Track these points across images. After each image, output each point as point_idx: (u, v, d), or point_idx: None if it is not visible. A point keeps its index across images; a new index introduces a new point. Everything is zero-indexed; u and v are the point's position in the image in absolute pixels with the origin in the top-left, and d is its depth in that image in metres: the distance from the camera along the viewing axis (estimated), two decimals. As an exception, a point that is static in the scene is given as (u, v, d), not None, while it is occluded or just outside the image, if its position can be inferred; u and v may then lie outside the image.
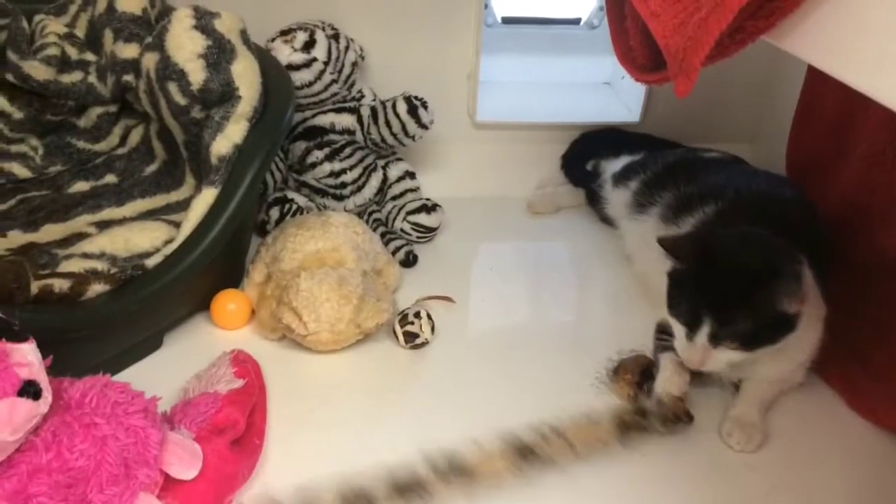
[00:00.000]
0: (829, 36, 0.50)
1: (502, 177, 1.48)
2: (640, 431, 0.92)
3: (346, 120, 1.28)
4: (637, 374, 1.00)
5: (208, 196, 1.00)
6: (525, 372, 1.05)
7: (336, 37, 1.27)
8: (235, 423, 0.83)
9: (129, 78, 1.14)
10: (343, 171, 1.28)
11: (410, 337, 1.06)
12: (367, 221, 1.28)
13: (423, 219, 1.28)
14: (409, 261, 1.25)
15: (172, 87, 1.04)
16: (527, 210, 1.44)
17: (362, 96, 1.32)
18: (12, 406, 0.64)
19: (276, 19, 1.27)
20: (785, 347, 0.91)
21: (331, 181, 1.28)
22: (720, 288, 0.88)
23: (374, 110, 1.28)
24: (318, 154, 1.27)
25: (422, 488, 0.81)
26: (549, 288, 1.27)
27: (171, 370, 0.98)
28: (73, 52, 1.18)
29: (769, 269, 0.88)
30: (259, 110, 1.04)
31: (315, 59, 1.21)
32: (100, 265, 0.93)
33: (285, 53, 1.20)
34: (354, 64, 1.29)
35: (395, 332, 1.07)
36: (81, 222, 1.12)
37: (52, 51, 1.15)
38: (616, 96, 1.59)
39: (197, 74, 1.02)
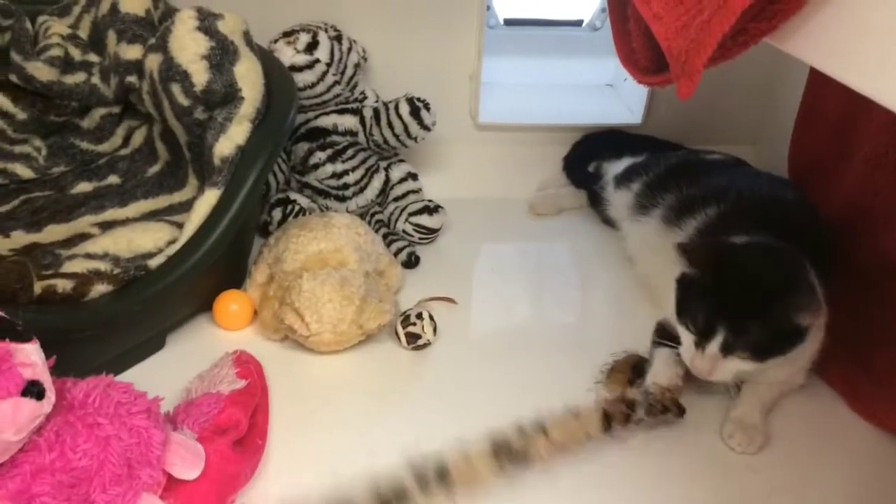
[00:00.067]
0: (832, 38, 0.50)
1: (504, 178, 1.48)
2: (625, 421, 0.91)
3: (349, 121, 1.28)
4: (629, 371, 1.00)
5: (211, 197, 1.00)
6: (527, 373, 1.05)
7: (339, 38, 1.27)
8: (238, 423, 0.83)
9: (132, 79, 1.14)
10: (345, 173, 1.28)
11: (412, 338, 1.06)
12: (369, 222, 1.28)
13: (425, 220, 1.29)
14: (411, 262, 1.25)
15: (175, 89, 1.04)
16: (529, 211, 1.44)
17: (365, 97, 1.32)
18: (16, 406, 0.64)
19: (278, 21, 1.28)
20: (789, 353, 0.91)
21: (333, 182, 1.29)
22: (738, 298, 0.87)
23: (376, 112, 1.28)
24: (321, 155, 1.27)
25: (405, 498, 0.79)
26: (550, 289, 1.27)
27: (173, 370, 0.98)
28: (76, 53, 1.18)
29: (788, 281, 0.88)
30: (262, 111, 1.04)
31: (318, 61, 1.21)
32: (103, 266, 0.94)
33: (288, 55, 1.20)
34: (357, 65, 1.30)
35: (397, 333, 1.07)
36: (84, 223, 1.12)
37: (56, 52, 1.15)
38: (618, 98, 1.59)
39: (200, 76, 1.02)
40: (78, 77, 1.18)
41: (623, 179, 1.29)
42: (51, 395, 0.68)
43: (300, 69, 1.20)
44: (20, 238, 1.07)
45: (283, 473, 0.87)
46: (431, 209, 1.29)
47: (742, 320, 0.87)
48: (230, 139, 1.01)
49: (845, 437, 0.98)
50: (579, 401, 0.98)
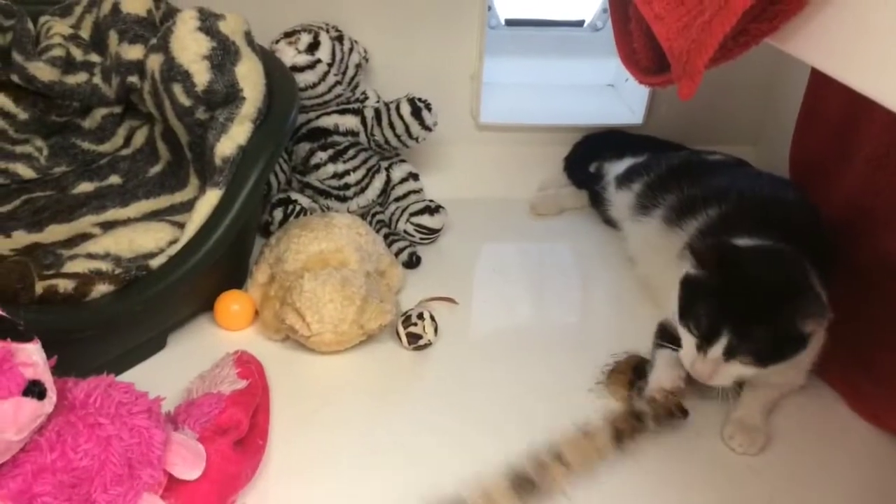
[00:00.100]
0: (833, 39, 0.50)
1: (505, 178, 1.48)
2: (634, 435, 0.91)
3: (350, 121, 1.28)
4: (629, 373, 1.00)
5: (212, 197, 1.00)
6: (528, 373, 1.05)
7: (340, 38, 1.27)
8: (239, 423, 0.83)
9: (133, 79, 1.14)
10: (346, 173, 1.28)
11: (413, 338, 1.06)
12: (370, 223, 1.28)
13: (426, 220, 1.29)
14: (413, 262, 1.25)
15: (177, 89, 1.04)
16: (530, 212, 1.44)
17: (366, 98, 1.32)
18: (17, 406, 0.64)
19: (280, 21, 1.28)
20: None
21: (334, 182, 1.29)
22: (745, 302, 0.86)
23: (377, 112, 1.28)
24: (322, 155, 1.27)
25: None
26: (551, 289, 1.27)
27: (174, 370, 0.98)
28: (77, 54, 1.18)
29: (796, 287, 0.88)
30: (263, 112, 1.04)
31: (319, 61, 1.22)
32: (104, 266, 0.94)
33: (289, 55, 1.20)
34: (358, 66, 1.30)
35: (398, 334, 1.07)
36: (86, 223, 1.12)
37: (57, 52, 1.15)
38: (619, 98, 1.59)
39: (201, 76, 1.02)
40: (79, 77, 1.18)
41: (624, 180, 1.29)
42: (52, 395, 0.68)
43: (301, 69, 1.20)
44: (22, 238, 1.07)
45: (284, 473, 0.87)
46: (432, 209, 1.29)
47: (748, 325, 0.86)
48: (231, 139, 1.01)
49: (846, 437, 0.98)
50: (581, 400, 0.98)
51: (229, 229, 0.99)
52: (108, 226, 1.11)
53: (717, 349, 0.87)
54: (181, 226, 1.02)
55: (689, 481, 0.90)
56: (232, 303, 1.09)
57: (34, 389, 0.65)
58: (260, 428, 0.89)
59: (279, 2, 1.30)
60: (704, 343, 0.88)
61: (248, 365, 0.94)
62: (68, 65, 1.17)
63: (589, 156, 1.46)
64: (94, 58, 1.19)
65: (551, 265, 1.35)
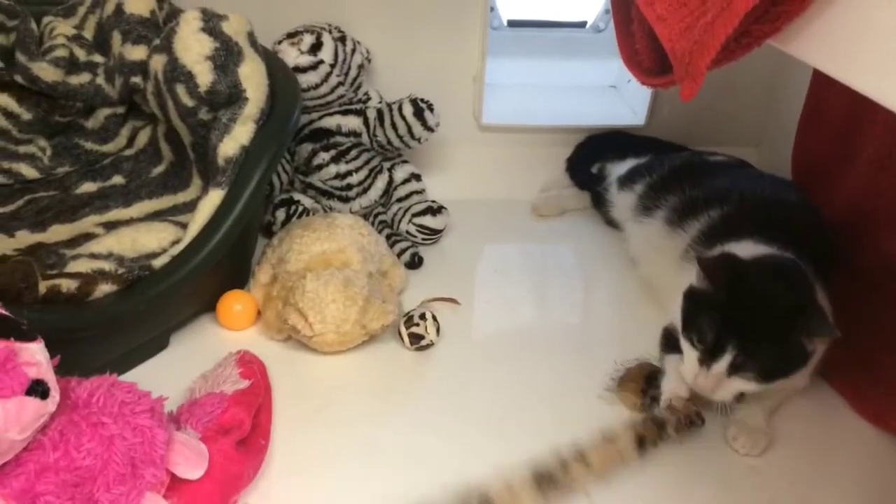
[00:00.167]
0: (835, 40, 0.50)
1: (508, 179, 1.48)
2: (656, 443, 0.91)
3: (353, 122, 1.28)
4: (642, 381, 0.99)
5: (215, 197, 1.00)
6: (530, 373, 1.05)
7: (342, 39, 1.27)
8: (241, 423, 0.84)
9: (136, 80, 1.14)
10: (349, 173, 1.28)
11: (416, 338, 1.06)
12: (372, 223, 1.28)
13: (428, 221, 1.29)
14: (415, 262, 1.25)
15: (180, 89, 1.04)
16: (532, 213, 1.44)
17: (368, 98, 1.32)
18: (20, 405, 0.64)
19: (282, 22, 1.28)
20: None
21: (337, 183, 1.29)
22: (753, 319, 0.85)
23: (380, 112, 1.28)
24: (324, 156, 1.28)
25: None
26: (553, 290, 1.27)
27: (177, 370, 0.98)
28: (81, 54, 1.19)
29: (804, 305, 0.87)
30: (266, 112, 1.04)
31: (322, 62, 1.22)
32: (107, 265, 0.94)
33: (292, 56, 1.21)
34: (361, 66, 1.30)
35: (400, 334, 1.07)
36: (89, 223, 1.12)
37: (61, 52, 1.16)
38: (621, 99, 1.59)
39: (204, 76, 1.02)
40: (83, 77, 1.18)
41: (626, 181, 1.29)
42: (55, 395, 0.68)
43: (304, 70, 1.21)
44: (25, 238, 1.07)
45: (286, 473, 0.87)
46: (435, 210, 1.29)
47: (754, 341, 0.85)
48: (234, 140, 1.01)
49: (849, 439, 0.98)
50: (582, 401, 0.98)
51: (232, 229, 0.99)
52: (111, 226, 1.11)
53: (722, 364, 0.86)
54: (184, 226, 1.03)
55: (691, 481, 0.90)
56: (234, 303, 1.09)
57: (37, 389, 0.65)
58: (262, 428, 0.89)
59: (282, 3, 1.30)
60: (708, 357, 0.87)
61: (250, 365, 0.95)
62: (72, 65, 1.17)
63: (591, 157, 1.46)
64: (98, 58, 1.20)
65: (553, 266, 1.35)
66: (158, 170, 1.23)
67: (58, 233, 1.09)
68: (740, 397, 0.91)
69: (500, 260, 1.37)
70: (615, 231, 1.35)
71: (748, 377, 0.87)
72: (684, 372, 0.92)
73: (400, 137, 1.28)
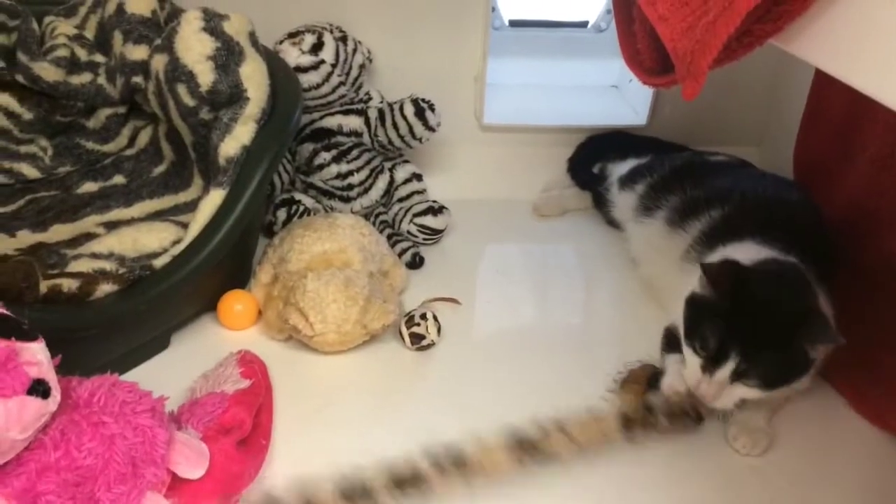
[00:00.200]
0: (837, 39, 0.50)
1: (509, 179, 1.48)
2: (645, 427, 0.90)
3: (354, 122, 1.28)
4: (643, 383, 0.99)
5: (216, 197, 1.00)
6: (531, 373, 1.05)
7: (344, 39, 1.27)
8: (242, 423, 0.84)
9: (138, 79, 1.14)
10: (350, 173, 1.28)
11: (416, 338, 1.06)
12: (373, 223, 1.28)
13: (429, 221, 1.29)
14: (416, 262, 1.25)
15: (181, 89, 1.04)
16: (533, 213, 1.44)
17: (370, 98, 1.32)
18: (22, 404, 0.64)
19: (284, 21, 1.28)
20: None
21: (338, 183, 1.29)
22: (757, 326, 0.85)
23: (381, 112, 1.28)
24: (326, 156, 1.28)
25: (421, 481, 0.80)
26: (555, 290, 1.27)
27: (178, 370, 0.98)
28: (82, 54, 1.19)
29: (809, 313, 0.87)
30: (267, 112, 1.04)
31: (323, 62, 1.22)
32: (108, 265, 0.94)
33: (293, 55, 1.20)
34: (362, 66, 1.30)
35: (401, 334, 1.07)
36: (90, 222, 1.12)
37: (62, 52, 1.16)
38: (623, 99, 1.59)
39: (205, 76, 1.02)
40: (84, 77, 1.18)
41: (627, 181, 1.29)
42: (56, 394, 0.68)
43: (305, 70, 1.21)
44: (26, 237, 1.08)
45: (287, 473, 0.87)
46: (436, 210, 1.29)
47: (757, 349, 0.84)
48: (235, 139, 1.01)
49: (850, 439, 0.98)
50: (584, 402, 0.98)
51: (233, 229, 0.99)
52: (112, 225, 1.11)
53: (725, 371, 0.86)
54: (185, 226, 1.03)
55: (692, 481, 0.90)
56: (235, 303, 1.09)
57: (38, 388, 0.65)
58: (263, 427, 0.89)
59: (283, 2, 1.30)
60: (711, 364, 0.87)
61: (251, 364, 0.95)
62: (73, 65, 1.17)
63: (592, 157, 1.46)
64: (99, 58, 1.20)
65: (554, 266, 1.35)
66: (159, 169, 1.23)
67: (59, 232, 1.10)
68: (741, 404, 0.91)
69: (502, 260, 1.37)
70: (616, 231, 1.35)
71: (751, 384, 0.86)
72: (686, 378, 0.91)
73: (401, 137, 1.28)
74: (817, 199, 1.16)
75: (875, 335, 1.00)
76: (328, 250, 1.09)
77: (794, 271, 0.93)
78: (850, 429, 0.99)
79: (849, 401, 1.02)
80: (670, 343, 1.00)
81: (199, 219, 0.99)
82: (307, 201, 1.28)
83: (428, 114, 1.26)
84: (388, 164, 1.34)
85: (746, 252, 0.95)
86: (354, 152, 1.29)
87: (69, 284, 0.89)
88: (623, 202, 1.29)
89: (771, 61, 1.43)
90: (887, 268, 1.03)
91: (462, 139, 1.46)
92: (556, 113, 1.53)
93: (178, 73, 1.04)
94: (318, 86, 1.23)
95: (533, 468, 0.85)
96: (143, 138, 1.26)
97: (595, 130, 1.50)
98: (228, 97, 1.03)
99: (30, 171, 1.19)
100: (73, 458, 0.68)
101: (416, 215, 1.29)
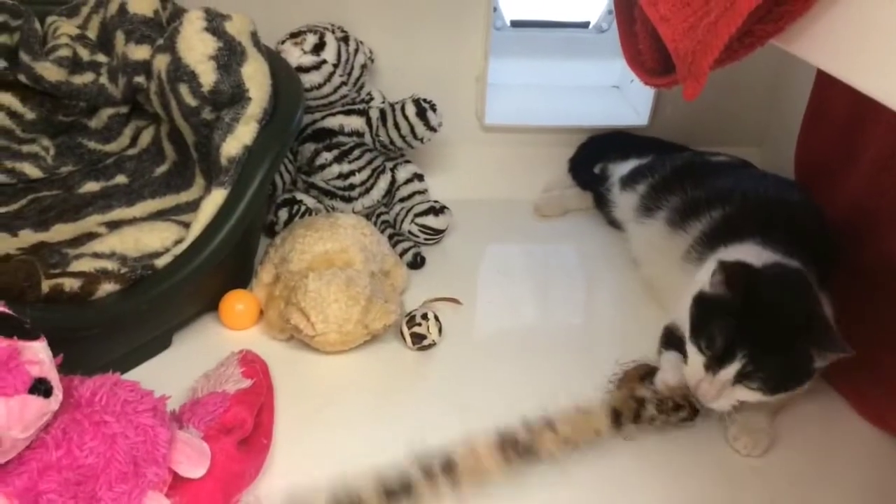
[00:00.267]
0: (838, 40, 0.50)
1: (510, 179, 1.48)
2: (636, 421, 0.90)
3: (355, 122, 1.28)
4: (638, 382, 0.99)
5: (218, 197, 1.00)
6: (532, 373, 1.05)
7: (346, 39, 1.27)
8: (243, 422, 0.84)
9: (140, 79, 1.15)
10: (351, 173, 1.28)
11: (418, 338, 1.06)
12: (375, 223, 1.28)
13: (430, 221, 1.29)
14: (417, 262, 1.25)
15: (183, 89, 1.05)
16: (534, 213, 1.44)
17: (371, 98, 1.33)
18: (23, 403, 0.64)
19: (286, 22, 1.28)
20: None
21: (339, 183, 1.29)
22: (766, 329, 0.84)
23: (382, 112, 1.28)
24: (327, 156, 1.28)
25: (411, 491, 0.80)
26: (556, 290, 1.27)
27: (179, 369, 0.98)
28: (84, 54, 1.19)
29: (818, 320, 0.87)
30: (269, 112, 1.05)
31: (325, 62, 1.22)
32: (110, 265, 0.94)
33: (295, 56, 1.21)
34: (364, 66, 1.30)
35: (402, 334, 1.07)
36: (92, 222, 1.12)
37: (64, 52, 1.16)
38: (624, 100, 1.59)
39: (207, 76, 1.03)
40: (86, 77, 1.18)
41: (628, 181, 1.29)
42: (58, 393, 0.68)
43: (307, 70, 1.21)
44: (28, 237, 1.08)
45: (288, 472, 0.87)
46: (437, 210, 1.29)
47: (765, 351, 0.84)
48: (237, 139, 1.02)
49: (850, 440, 0.98)
50: (585, 402, 0.98)
51: (234, 229, 1.00)
52: (113, 225, 1.11)
53: (730, 371, 0.85)
54: (187, 225, 1.03)
55: (692, 481, 0.90)
56: (237, 302, 1.10)
57: (40, 387, 0.65)
58: (264, 427, 0.90)
59: (285, 2, 1.31)
60: (715, 364, 0.86)
61: (252, 364, 0.95)
62: (75, 65, 1.17)
63: (593, 157, 1.46)
64: (101, 58, 1.20)
65: (556, 266, 1.35)
66: (161, 169, 1.23)
67: (61, 232, 1.10)
68: (738, 406, 0.91)
69: (503, 260, 1.37)
70: (617, 231, 1.35)
71: (753, 387, 0.86)
72: (688, 376, 0.91)
73: (402, 137, 1.28)
74: (818, 199, 1.15)
75: (875, 335, 1.00)
76: (330, 250, 1.09)
77: (802, 277, 0.93)
78: (851, 429, 0.99)
79: (849, 401, 1.02)
80: (668, 341, 1.00)
81: (201, 218, 0.99)
82: (309, 201, 1.28)
83: (429, 114, 1.26)
84: (389, 165, 1.34)
85: (747, 253, 0.95)
86: (356, 152, 1.29)
87: (71, 284, 0.89)
88: (624, 202, 1.29)
89: (772, 62, 1.43)
90: (888, 268, 1.03)
91: (463, 139, 1.46)
92: (558, 113, 1.53)
93: (180, 72, 1.04)
94: (320, 86, 1.23)
95: (522, 468, 0.85)
96: (145, 138, 1.26)
97: (596, 131, 1.50)
98: (230, 97, 1.03)
99: (32, 171, 1.19)
100: (74, 457, 0.68)
101: (417, 215, 1.29)
